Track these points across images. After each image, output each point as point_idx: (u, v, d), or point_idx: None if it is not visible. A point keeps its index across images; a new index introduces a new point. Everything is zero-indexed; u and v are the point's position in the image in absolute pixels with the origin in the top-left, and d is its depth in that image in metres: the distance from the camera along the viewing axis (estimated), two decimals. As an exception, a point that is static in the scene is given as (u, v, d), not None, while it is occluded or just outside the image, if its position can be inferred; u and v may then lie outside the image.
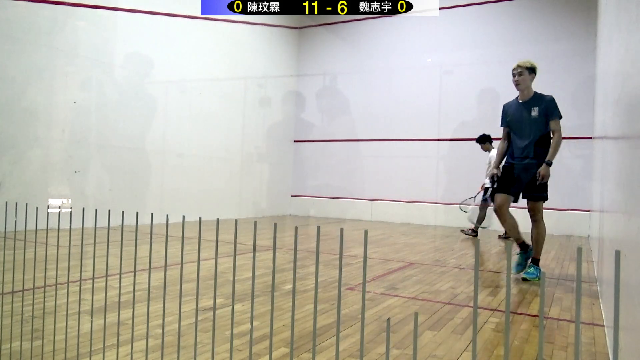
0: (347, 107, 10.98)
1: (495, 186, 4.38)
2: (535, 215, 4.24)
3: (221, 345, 2.24)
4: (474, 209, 7.87)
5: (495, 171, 4.37)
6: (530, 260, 4.26)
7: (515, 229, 4.35)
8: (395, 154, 10.22)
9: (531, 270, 4.16)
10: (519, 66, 4.19)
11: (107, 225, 1.61)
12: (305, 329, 2.60)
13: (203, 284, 3.57)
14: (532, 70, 4.23)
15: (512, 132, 4.33)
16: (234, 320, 2.16)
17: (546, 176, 4.07)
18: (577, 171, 8.45)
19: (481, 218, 7.59)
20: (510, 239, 7.40)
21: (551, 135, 4.20)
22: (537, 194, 4.16)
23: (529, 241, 4.31)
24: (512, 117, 4.32)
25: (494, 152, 7.44)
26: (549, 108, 4.20)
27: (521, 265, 4.26)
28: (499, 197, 4.24)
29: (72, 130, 6.74)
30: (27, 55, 6.21)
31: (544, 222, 4.27)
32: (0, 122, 5.98)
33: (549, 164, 4.07)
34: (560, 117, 4.23)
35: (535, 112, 4.23)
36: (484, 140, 7.75)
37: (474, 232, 7.76)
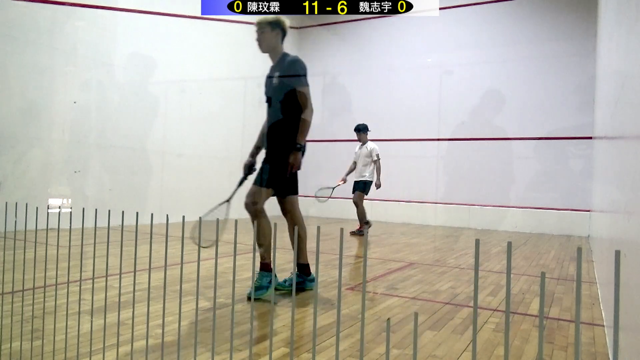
0: (347, 107, 10.98)
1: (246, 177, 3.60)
2: (288, 214, 3.49)
3: (221, 345, 2.24)
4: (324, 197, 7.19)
5: (249, 159, 3.60)
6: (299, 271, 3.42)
7: (267, 238, 3.37)
8: (395, 154, 10.21)
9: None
10: (259, 22, 3.35)
11: (107, 225, 1.61)
12: (305, 329, 2.60)
13: (203, 284, 3.56)
14: (275, 25, 3.34)
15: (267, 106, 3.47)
16: (234, 320, 2.16)
17: (296, 165, 3.33)
18: (577, 171, 8.45)
19: (361, 214, 7.24)
20: (364, 229, 7.11)
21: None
22: (283, 187, 3.43)
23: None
24: (265, 88, 3.44)
25: (373, 145, 7.26)
26: (290, 71, 3.28)
27: (265, 288, 3.22)
28: (251, 189, 3.45)
29: (72, 130, 6.74)
30: (27, 55, 6.21)
31: (303, 222, 3.52)
32: (0, 122, 5.98)
33: (299, 148, 3.28)
34: (306, 85, 3.29)
35: (276, 80, 3.32)
36: (365, 130, 7.40)
37: (361, 231, 7.34)
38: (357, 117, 10.78)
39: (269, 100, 3.41)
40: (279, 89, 3.30)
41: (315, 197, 6.93)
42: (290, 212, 3.51)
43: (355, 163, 7.53)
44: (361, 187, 7.27)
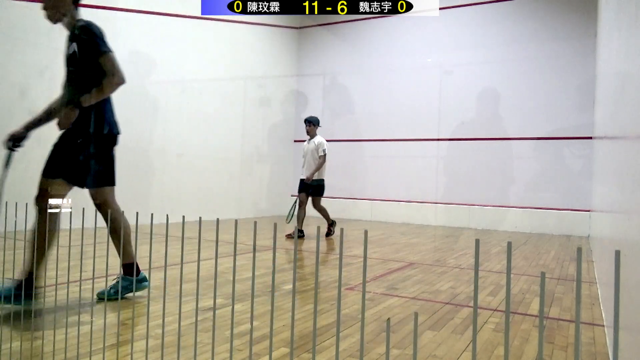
0: (347, 107, 10.99)
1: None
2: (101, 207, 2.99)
3: (221, 345, 2.24)
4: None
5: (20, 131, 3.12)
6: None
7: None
8: (395, 154, 10.22)
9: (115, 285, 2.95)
10: None
11: (107, 225, 1.61)
12: (305, 329, 2.60)
13: (203, 284, 3.56)
14: None
15: None
16: (234, 320, 2.16)
17: (63, 123, 2.85)
18: (577, 171, 8.45)
19: (300, 217, 6.61)
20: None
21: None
22: (83, 176, 2.98)
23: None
24: (65, 63, 2.96)
25: (321, 139, 6.67)
26: (86, 40, 2.85)
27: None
28: (44, 182, 3.00)
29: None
30: (27, 55, 6.21)
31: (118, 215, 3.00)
32: (1, 122, 5.98)
33: (76, 104, 2.79)
34: (109, 50, 2.88)
35: (73, 48, 2.85)
36: (316, 123, 6.83)
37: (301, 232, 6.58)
38: (357, 117, 10.80)
39: (69, 75, 2.93)
40: (78, 61, 2.84)
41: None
42: (103, 206, 2.98)
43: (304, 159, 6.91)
44: (316, 192, 6.67)
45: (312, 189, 6.60)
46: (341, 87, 11.14)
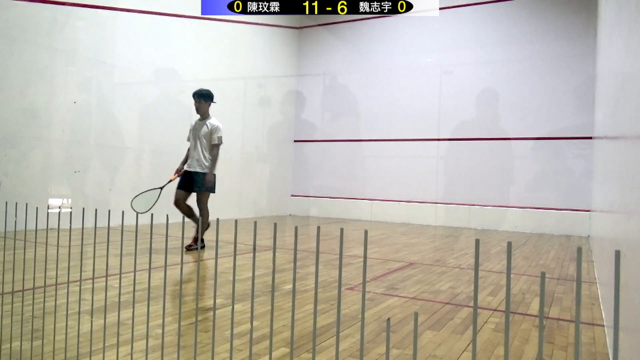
0: (347, 107, 10.99)
1: None
2: None
3: (221, 345, 2.24)
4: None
5: None
6: None
7: None
8: (395, 154, 10.22)
9: None
10: None
11: (107, 225, 1.61)
12: (305, 329, 2.60)
13: (203, 284, 3.56)
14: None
15: None
16: (234, 320, 2.16)
17: None
18: (577, 171, 8.46)
19: (206, 221, 5.31)
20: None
21: None
22: None
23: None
24: None
25: (216, 122, 5.23)
26: None
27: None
28: None
29: (72, 130, 6.74)
30: (27, 55, 6.21)
31: None
32: (0, 122, 5.98)
33: None
34: None
35: None
36: (209, 98, 5.29)
37: (194, 246, 5.12)
38: (357, 117, 10.81)
39: None
40: None
41: (133, 209, 4.55)
42: None
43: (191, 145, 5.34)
44: (207, 187, 5.17)
45: (202, 184, 5.12)
46: (341, 87, 11.14)
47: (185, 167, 5.25)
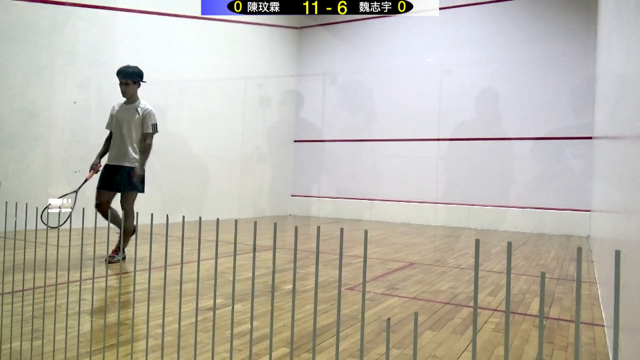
0: (347, 107, 10.99)
1: None
2: None
3: (221, 345, 2.24)
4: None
5: None
6: None
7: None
8: (395, 154, 10.22)
9: None
10: None
11: (107, 225, 1.61)
12: (305, 329, 2.60)
13: (203, 284, 3.56)
14: None
15: None
16: (234, 320, 2.16)
17: None
18: (577, 171, 8.46)
19: (130, 227, 4.21)
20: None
21: None
22: None
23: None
24: None
25: (148, 107, 4.42)
26: None
27: None
28: None
29: (72, 130, 6.74)
30: (27, 55, 6.21)
31: None
32: (0, 122, 5.98)
33: None
34: None
35: None
36: (137, 77, 4.49)
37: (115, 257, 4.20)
38: (357, 118, 10.81)
39: None
40: None
41: (44, 222, 3.11)
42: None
43: (111, 135, 4.44)
44: (135, 185, 4.32)
45: (129, 181, 4.29)
46: (341, 87, 11.14)
47: (107, 161, 4.35)
